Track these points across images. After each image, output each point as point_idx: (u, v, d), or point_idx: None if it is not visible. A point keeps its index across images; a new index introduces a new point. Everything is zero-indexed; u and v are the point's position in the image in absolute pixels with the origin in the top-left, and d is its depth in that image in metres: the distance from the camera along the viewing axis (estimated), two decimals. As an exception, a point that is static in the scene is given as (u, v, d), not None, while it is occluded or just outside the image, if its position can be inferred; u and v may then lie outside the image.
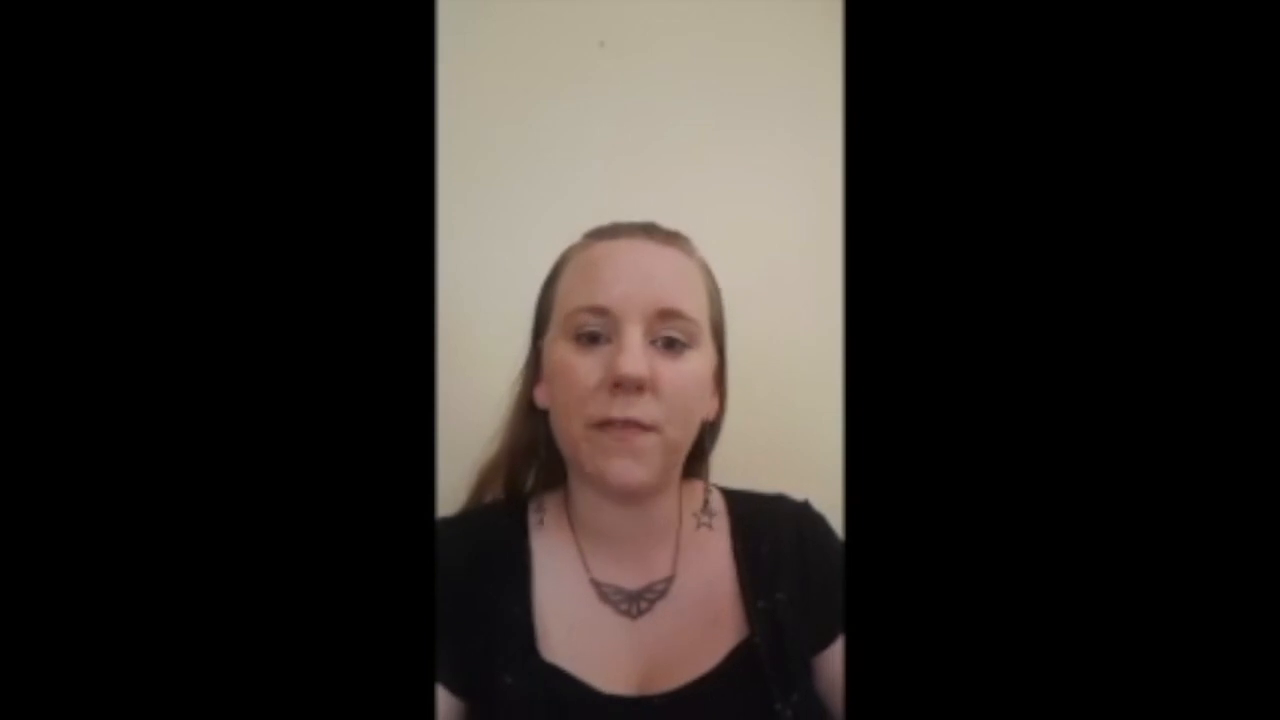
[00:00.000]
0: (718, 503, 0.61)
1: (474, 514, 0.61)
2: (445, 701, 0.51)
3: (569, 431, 0.52)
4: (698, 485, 0.61)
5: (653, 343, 0.51)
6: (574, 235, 0.59)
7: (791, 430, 0.80)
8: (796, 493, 0.62)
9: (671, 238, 0.56)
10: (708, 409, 0.57)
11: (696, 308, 0.53)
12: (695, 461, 0.60)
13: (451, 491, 0.62)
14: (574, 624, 0.54)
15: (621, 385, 0.49)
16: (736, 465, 0.63)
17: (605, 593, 0.55)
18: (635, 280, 0.52)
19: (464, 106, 0.76)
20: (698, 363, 0.53)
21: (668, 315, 0.51)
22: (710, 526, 0.59)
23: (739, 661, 0.53)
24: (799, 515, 0.60)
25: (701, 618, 0.54)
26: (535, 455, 0.60)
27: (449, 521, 0.59)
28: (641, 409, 0.50)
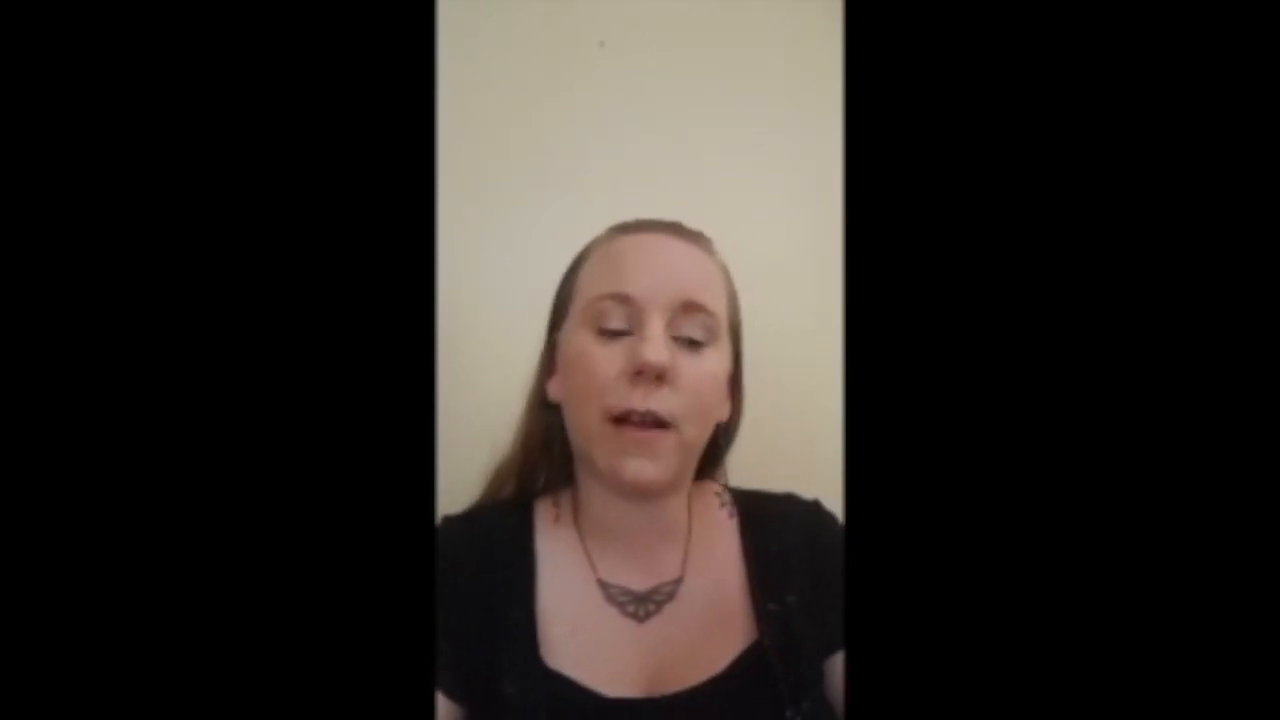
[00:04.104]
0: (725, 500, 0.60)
1: (480, 511, 0.60)
2: (443, 706, 0.50)
3: (584, 424, 0.51)
4: (708, 485, 0.61)
5: (673, 338, 0.51)
6: (574, 235, 0.59)
7: (791, 430, 0.80)
8: (796, 492, 0.62)
9: (696, 237, 0.56)
10: (722, 411, 0.56)
11: (718, 305, 0.54)
12: (709, 465, 0.60)
13: (452, 492, 0.62)
14: (578, 626, 0.53)
15: (643, 373, 0.49)
16: (737, 465, 0.63)
17: (612, 594, 0.54)
18: (661, 272, 0.52)
19: (464, 106, 0.76)
20: (716, 362, 0.53)
21: (691, 308, 0.51)
22: (733, 511, 0.58)
23: (748, 665, 0.52)
24: (810, 515, 0.59)
25: (710, 620, 0.53)
26: (547, 452, 0.59)
27: (454, 519, 0.59)
28: (660, 401, 0.49)
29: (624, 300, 0.51)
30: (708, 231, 0.59)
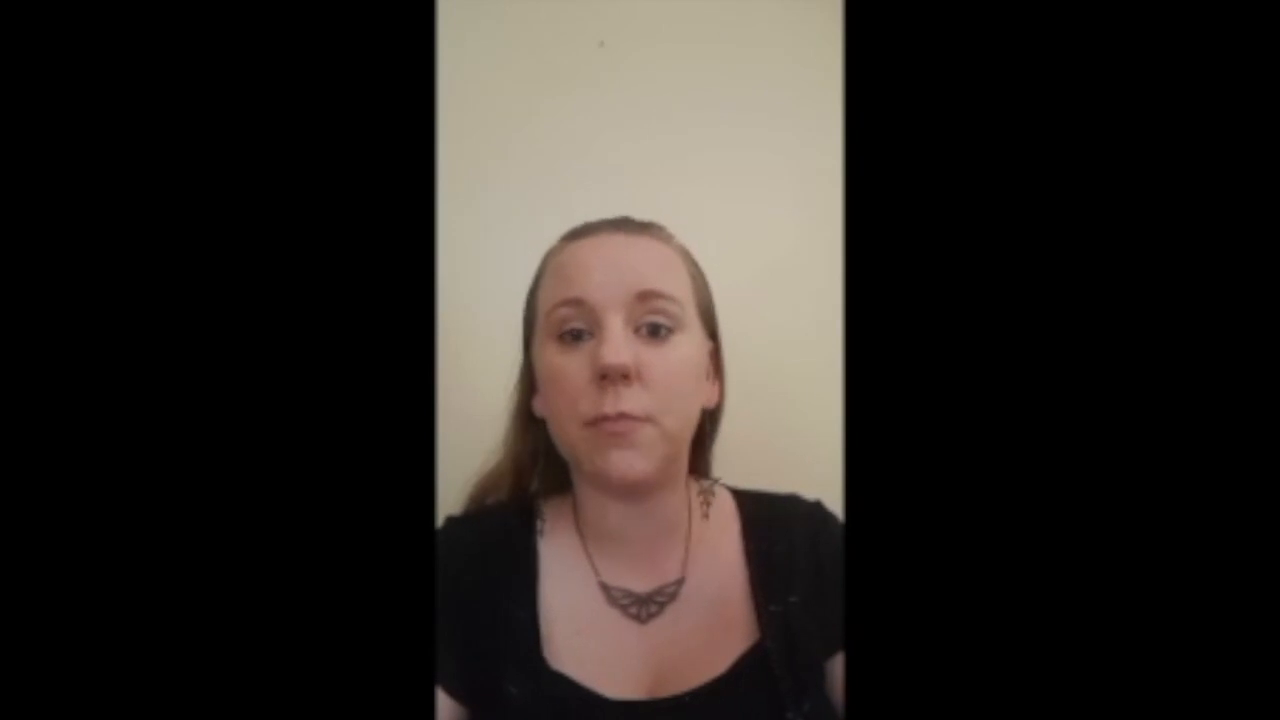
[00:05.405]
0: (726, 501, 0.60)
1: (482, 514, 0.61)
2: (447, 706, 0.51)
3: (566, 434, 0.51)
4: (699, 483, 0.60)
5: (636, 331, 0.50)
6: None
7: (791, 430, 0.80)
8: (798, 493, 0.62)
9: (645, 227, 0.56)
10: (706, 396, 0.56)
11: (677, 288, 0.53)
12: (697, 453, 0.59)
13: (452, 492, 0.62)
14: (581, 628, 0.53)
15: (607, 377, 0.48)
16: (737, 465, 0.63)
17: (614, 596, 0.54)
18: (610, 269, 0.51)
19: (464, 106, 0.76)
20: (686, 348, 0.52)
21: (647, 297, 0.50)
22: (707, 516, 0.58)
23: (750, 666, 0.52)
24: (812, 516, 0.59)
25: (712, 621, 0.53)
26: (538, 463, 0.59)
27: (456, 520, 0.59)
28: (631, 400, 0.48)
29: (578, 304, 0.50)
30: (707, 231, 0.59)
